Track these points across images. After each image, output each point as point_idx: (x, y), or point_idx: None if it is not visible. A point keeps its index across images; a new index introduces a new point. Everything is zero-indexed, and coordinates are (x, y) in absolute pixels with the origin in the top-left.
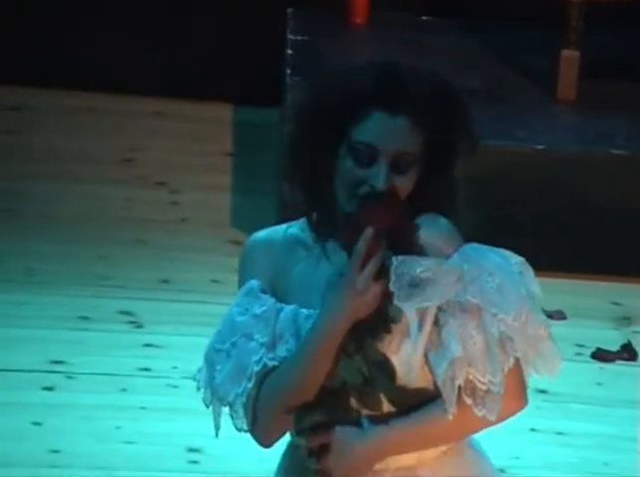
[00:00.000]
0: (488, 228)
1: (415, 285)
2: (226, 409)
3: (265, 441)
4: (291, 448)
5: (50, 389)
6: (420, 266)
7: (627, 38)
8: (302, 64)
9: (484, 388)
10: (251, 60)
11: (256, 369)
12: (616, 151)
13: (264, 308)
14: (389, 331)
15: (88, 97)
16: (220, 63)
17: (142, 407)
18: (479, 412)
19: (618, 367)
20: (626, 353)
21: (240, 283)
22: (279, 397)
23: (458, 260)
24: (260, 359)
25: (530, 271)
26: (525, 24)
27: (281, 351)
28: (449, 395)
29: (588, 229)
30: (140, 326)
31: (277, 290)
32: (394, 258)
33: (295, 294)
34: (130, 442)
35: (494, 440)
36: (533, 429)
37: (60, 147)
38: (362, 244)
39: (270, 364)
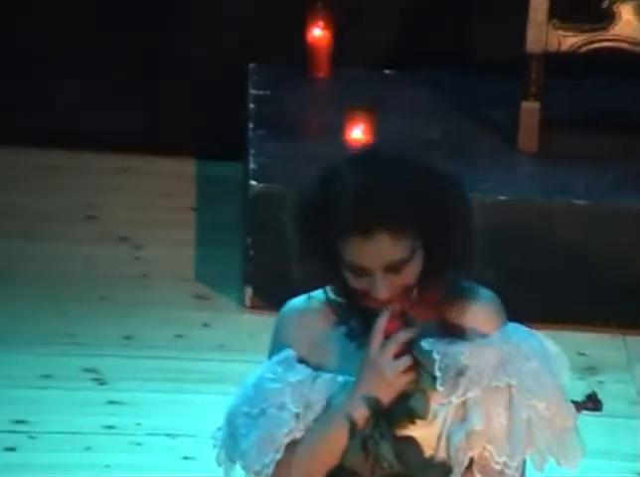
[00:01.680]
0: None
1: (460, 374)
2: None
3: None
4: None
5: (12, 449)
6: (463, 354)
7: (588, 90)
8: (265, 118)
9: (498, 467)
10: (214, 114)
11: (285, 441)
12: (578, 201)
13: (299, 377)
14: (413, 422)
15: (48, 155)
16: (182, 117)
17: (106, 466)
18: None
19: (583, 417)
20: (591, 403)
21: (273, 350)
22: (302, 470)
23: (498, 340)
24: (290, 431)
25: (564, 362)
26: (486, 76)
27: (310, 421)
28: (459, 465)
29: (552, 278)
30: (104, 383)
31: (313, 359)
32: (435, 351)
33: (332, 362)
34: None
35: None
36: None
37: (20, 205)
38: (380, 324)
39: (299, 436)
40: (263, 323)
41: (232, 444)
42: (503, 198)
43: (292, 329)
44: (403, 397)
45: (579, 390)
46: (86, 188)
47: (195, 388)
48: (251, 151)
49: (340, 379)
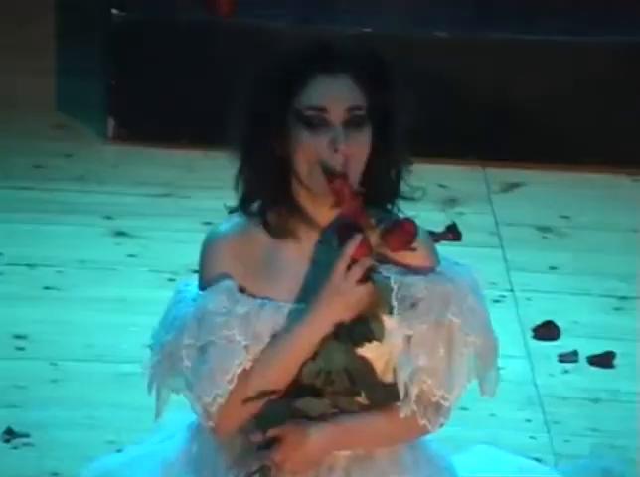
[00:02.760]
0: None
1: (414, 306)
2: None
3: (226, 435)
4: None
5: None
6: (418, 288)
7: None
8: None
9: (434, 400)
10: None
11: (237, 371)
12: (440, 33)
13: (245, 309)
14: (370, 341)
15: None
16: None
17: None
18: (421, 421)
19: (443, 247)
20: (451, 233)
21: (206, 280)
22: (253, 391)
23: (443, 277)
24: (241, 362)
25: (481, 286)
26: None
27: (259, 351)
28: (406, 397)
29: (413, 111)
30: None
31: (251, 285)
32: (392, 281)
33: (272, 286)
34: None
35: None
36: None
37: None
38: (349, 249)
39: (249, 366)
40: (126, 154)
41: (172, 375)
42: (367, 30)
43: (225, 257)
44: (361, 320)
45: (440, 221)
46: None
47: (55, 218)
48: None
49: (285, 308)
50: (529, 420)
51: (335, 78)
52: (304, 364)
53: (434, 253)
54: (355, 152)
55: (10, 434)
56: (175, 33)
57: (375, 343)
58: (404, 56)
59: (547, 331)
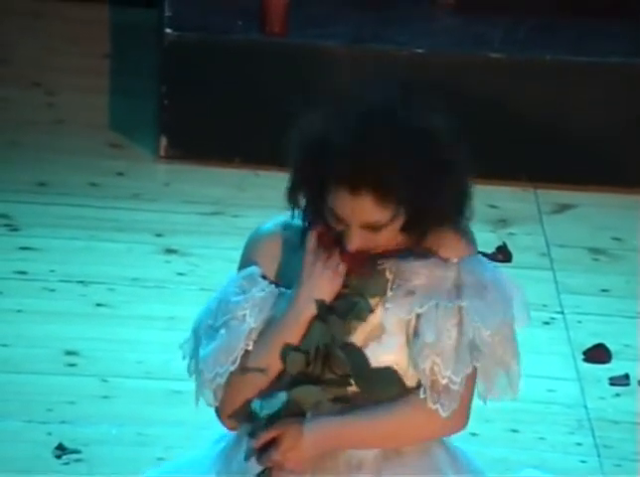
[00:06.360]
0: None
1: (411, 293)
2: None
3: (230, 425)
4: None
5: None
6: (417, 275)
7: None
8: None
9: (444, 382)
10: None
11: (242, 353)
12: (493, 54)
13: (263, 294)
14: (360, 319)
15: None
16: None
17: (18, 310)
18: (433, 405)
19: None
20: (501, 255)
21: (240, 268)
22: (246, 379)
23: (458, 269)
24: (247, 344)
25: (525, 306)
26: None
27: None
28: (426, 380)
29: (466, 131)
30: (16, 229)
31: (282, 280)
32: (388, 269)
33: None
34: (5, 345)
35: None
36: None
37: None
38: (314, 231)
39: (250, 347)
40: (177, 173)
41: (197, 355)
42: (419, 51)
43: (261, 252)
44: (346, 297)
45: (491, 242)
46: None
47: (108, 236)
48: None
49: None
50: (579, 444)
51: (356, 196)
52: (287, 353)
53: (466, 245)
54: (371, 247)
55: (61, 450)
56: (227, 52)
57: (372, 324)
58: (457, 76)
59: (597, 354)
